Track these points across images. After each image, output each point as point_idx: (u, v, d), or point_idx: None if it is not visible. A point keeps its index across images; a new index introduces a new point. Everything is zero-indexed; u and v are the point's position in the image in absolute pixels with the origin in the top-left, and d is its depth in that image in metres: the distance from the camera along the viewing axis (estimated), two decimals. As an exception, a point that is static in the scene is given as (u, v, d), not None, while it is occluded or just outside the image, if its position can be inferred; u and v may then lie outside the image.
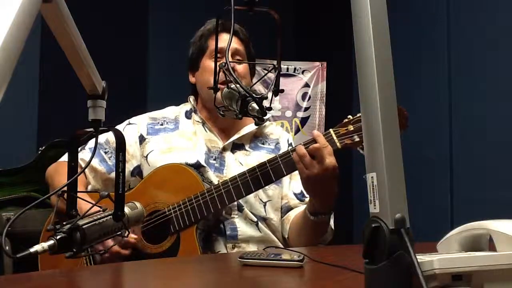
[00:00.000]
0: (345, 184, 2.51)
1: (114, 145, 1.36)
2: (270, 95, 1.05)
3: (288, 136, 1.69)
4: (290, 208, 1.55)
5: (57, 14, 0.60)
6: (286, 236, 1.53)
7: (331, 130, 1.40)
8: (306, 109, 3.41)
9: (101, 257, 1.37)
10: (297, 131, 3.39)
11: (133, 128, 1.59)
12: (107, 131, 0.84)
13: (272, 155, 1.50)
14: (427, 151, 2.88)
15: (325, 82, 3.40)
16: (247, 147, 1.60)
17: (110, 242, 1.26)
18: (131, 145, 1.54)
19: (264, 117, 0.98)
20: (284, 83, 3.20)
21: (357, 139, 1.37)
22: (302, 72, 3.42)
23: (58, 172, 1.50)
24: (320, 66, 3.42)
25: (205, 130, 1.60)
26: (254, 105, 0.97)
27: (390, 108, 0.54)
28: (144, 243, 1.41)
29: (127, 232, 0.87)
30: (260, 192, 1.49)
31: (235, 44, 1.57)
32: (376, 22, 0.56)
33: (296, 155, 1.34)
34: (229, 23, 0.94)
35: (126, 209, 0.87)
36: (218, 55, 1.26)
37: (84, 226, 0.78)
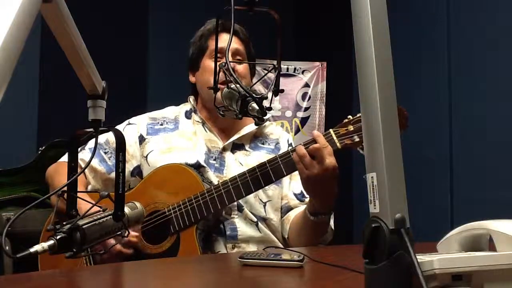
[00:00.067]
0: (345, 184, 2.52)
1: (114, 145, 1.36)
2: (270, 95, 1.05)
3: (288, 136, 1.69)
4: (290, 208, 1.55)
5: (57, 14, 0.60)
6: (286, 236, 1.53)
7: (331, 130, 1.40)
8: (306, 109, 3.41)
9: (101, 257, 1.37)
10: (297, 131, 3.39)
11: (133, 128, 1.59)
12: (107, 131, 0.84)
13: (272, 155, 1.50)
14: (427, 151, 2.88)
15: (325, 82, 3.40)
16: (247, 147, 1.60)
17: (112, 241, 1.26)
18: (131, 145, 1.54)
19: (264, 117, 0.98)
20: (284, 83, 3.20)
21: (357, 139, 1.37)
22: (302, 72, 3.42)
23: (58, 172, 1.50)
24: (320, 66, 3.42)
25: (205, 130, 1.60)
26: (254, 105, 0.97)
27: (390, 108, 0.54)
28: (144, 243, 1.41)
29: (127, 232, 0.87)
30: (260, 192, 1.49)
31: (236, 44, 1.57)
32: (376, 22, 0.56)
33: (296, 155, 1.34)
34: (229, 23, 0.94)
35: (126, 209, 0.87)
36: (218, 55, 1.26)
37: (84, 226, 0.78)
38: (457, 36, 2.85)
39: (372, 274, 0.53)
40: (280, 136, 1.67)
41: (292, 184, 1.58)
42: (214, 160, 1.54)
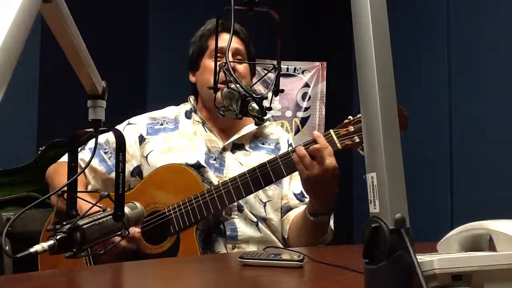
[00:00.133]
0: (345, 184, 2.52)
1: (114, 145, 1.36)
2: (270, 95, 1.05)
3: (288, 136, 1.69)
4: (290, 209, 1.55)
5: (57, 14, 0.60)
6: (286, 237, 1.53)
7: (331, 130, 1.40)
8: (306, 109, 3.41)
9: (102, 256, 1.37)
10: (297, 131, 3.39)
11: (133, 128, 1.59)
12: (107, 131, 0.84)
13: (272, 155, 1.50)
14: (427, 151, 2.88)
15: (325, 82, 3.40)
16: (247, 147, 1.60)
17: (113, 241, 1.25)
18: (131, 145, 1.54)
19: (264, 117, 0.98)
20: (284, 83, 3.20)
21: (358, 140, 1.37)
22: (302, 72, 3.42)
23: (58, 172, 1.50)
24: (320, 66, 3.42)
25: (205, 130, 1.59)
26: (254, 105, 0.97)
27: (390, 108, 0.54)
28: (144, 243, 1.41)
29: (127, 232, 0.87)
30: (260, 192, 1.49)
31: (236, 43, 1.57)
32: (376, 22, 0.56)
33: (296, 156, 1.34)
34: (229, 23, 0.94)
35: (126, 209, 0.87)
36: (219, 54, 1.26)
37: (84, 226, 0.78)
38: (457, 36, 2.85)
39: (372, 274, 0.53)
40: (280, 136, 1.67)
41: (292, 184, 1.58)
42: (214, 160, 1.54)
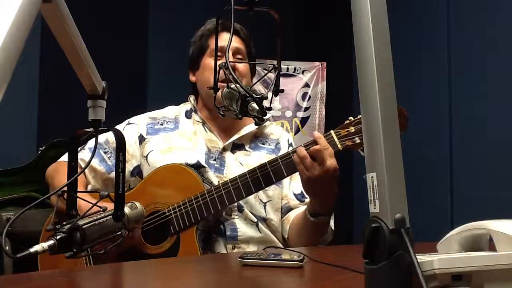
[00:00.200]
0: (345, 185, 2.52)
1: (114, 145, 1.36)
2: (270, 95, 1.05)
3: (288, 136, 1.69)
4: (290, 209, 1.55)
5: (57, 14, 0.60)
6: (286, 237, 1.53)
7: (332, 131, 1.40)
8: (306, 109, 3.41)
9: (101, 256, 1.37)
10: (297, 131, 3.39)
11: (132, 128, 1.59)
12: (107, 131, 0.84)
13: (272, 155, 1.50)
14: (427, 151, 2.88)
15: (325, 82, 3.40)
16: (247, 147, 1.60)
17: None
18: (131, 145, 1.54)
19: (264, 117, 0.98)
20: (284, 83, 3.20)
21: (358, 141, 1.37)
22: (302, 72, 3.42)
23: (58, 172, 1.50)
24: (320, 66, 3.42)
25: (205, 130, 1.59)
26: (254, 105, 0.97)
27: (390, 108, 0.54)
28: (144, 243, 1.41)
29: (127, 232, 0.87)
30: (260, 192, 1.49)
31: (236, 43, 1.57)
32: (376, 22, 0.56)
33: (297, 156, 1.34)
34: (230, 23, 0.94)
35: (126, 209, 0.88)
36: (219, 54, 1.26)
37: (84, 226, 0.78)
38: (457, 36, 2.85)
39: (372, 274, 0.53)
40: (281, 136, 1.67)
41: (292, 184, 1.58)
42: (214, 160, 1.54)
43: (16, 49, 0.39)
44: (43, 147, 1.74)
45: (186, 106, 1.67)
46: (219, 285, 0.91)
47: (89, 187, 1.53)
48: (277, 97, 3.04)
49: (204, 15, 1.59)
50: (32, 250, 0.71)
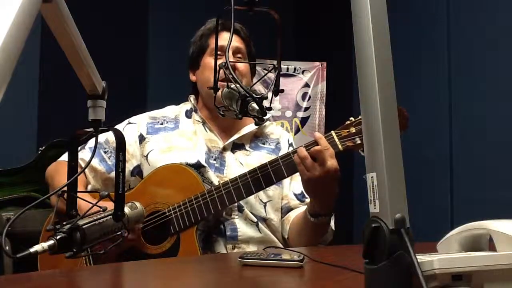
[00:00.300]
0: (345, 185, 2.52)
1: (114, 144, 1.36)
2: (270, 95, 1.05)
3: (289, 136, 1.69)
4: (290, 209, 1.55)
5: (57, 14, 0.60)
6: (286, 237, 1.53)
7: (332, 132, 1.39)
8: (306, 109, 3.41)
9: (101, 256, 1.37)
10: (297, 131, 3.39)
11: (133, 127, 1.59)
12: (107, 131, 0.84)
13: (272, 155, 1.50)
14: (427, 151, 2.88)
15: (325, 82, 3.40)
16: (247, 147, 1.60)
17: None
18: (131, 145, 1.54)
19: (264, 117, 0.98)
20: (284, 83, 3.20)
21: (359, 142, 1.37)
22: (302, 72, 3.42)
23: (58, 172, 1.50)
24: (320, 66, 3.42)
25: (205, 130, 1.59)
26: (254, 105, 0.97)
27: (390, 108, 0.54)
28: (144, 243, 1.41)
29: (127, 232, 0.87)
30: (261, 192, 1.49)
31: (237, 42, 1.57)
32: (376, 22, 0.56)
33: (297, 157, 1.34)
34: (230, 23, 0.94)
35: (126, 209, 0.88)
36: (219, 53, 1.26)
37: (84, 226, 0.78)
38: (457, 36, 2.85)
39: (372, 274, 0.53)
40: (281, 136, 1.67)
41: (293, 184, 1.58)
42: (215, 160, 1.54)
43: (16, 49, 0.39)
44: (43, 147, 1.74)
45: (186, 105, 1.67)
46: (219, 285, 0.91)
47: (89, 187, 1.53)
48: (277, 97, 3.04)
49: (204, 15, 1.59)
50: (32, 250, 0.71)
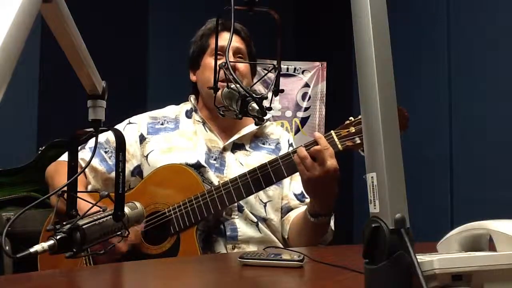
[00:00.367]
0: (345, 185, 2.52)
1: (115, 144, 1.36)
2: (270, 95, 1.05)
3: (289, 136, 1.69)
4: (290, 209, 1.55)
5: (57, 14, 0.60)
6: (286, 237, 1.53)
7: (332, 131, 1.40)
8: (306, 109, 3.41)
9: (101, 256, 1.37)
10: (297, 131, 3.39)
11: (133, 127, 1.59)
12: (107, 131, 0.84)
13: (272, 155, 1.50)
14: (427, 151, 2.88)
15: (325, 82, 3.40)
16: (247, 147, 1.60)
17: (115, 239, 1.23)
18: (131, 145, 1.54)
19: (264, 117, 0.98)
20: (284, 83, 3.20)
21: (359, 141, 1.37)
22: (302, 72, 3.42)
23: (58, 172, 1.49)
24: (320, 66, 3.42)
25: (206, 130, 1.59)
26: (254, 105, 0.96)
27: (390, 108, 0.54)
28: (144, 244, 1.41)
29: (127, 232, 0.87)
30: (261, 192, 1.49)
31: (237, 43, 1.57)
32: (376, 22, 0.56)
33: (297, 157, 1.34)
34: (230, 23, 0.94)
35: (126, 209, 0.87)
36: (220, 53, 1.26)
37: (84, 226, 0.78)
38: (457, 36, 2.85)
39: (372, 274, 0.53)
40: (281, 136, 1.67)
41: (293, 184, 1.58)
42: (215, 160, 1.54)
43: (16, 49, 0.39)
44: (43, 147, 1.74)
45: (187, 105, 1.67)
46: (219, 285, 0.91)
47: (90, 187, 1.53)
48: (277, 97, 3.04)
49: (204, 15, 1.59)
50: (32, 250, 0.71)
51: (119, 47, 3.02)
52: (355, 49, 0.57)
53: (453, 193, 2.79)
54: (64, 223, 0.78)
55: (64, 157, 1.54)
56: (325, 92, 3.39)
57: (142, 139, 1.56)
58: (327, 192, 1.37)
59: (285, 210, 1.56)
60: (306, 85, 3.42)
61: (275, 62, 1.06)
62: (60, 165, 1.51)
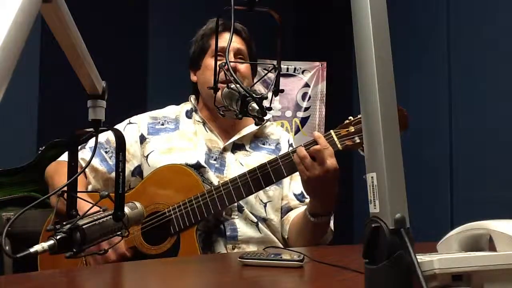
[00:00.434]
0: (345, 184, 2.52)
1: (115, 144, 1.36)
2: (270, 95, 1.05)
3: (289, 137, 1.69)
4: (290, 209, 1.55)
5: (57, 14, 0.60)
6: (286, 237, 1.53)
7: (332, 131, 1.40)
8: (306, 109, 3.41)
9: (96, 259, 1.37)
10: (297, 131, 3.39)
11: (133, 127, 1.59)
12: (107, 131, 0.84)
13: (272, 156, 1.50)
14: (427, 151, 2.88)
15: (325, 82, 3.40)
16: (247, 148, 1.60)
17: (105, 246, 1.16)
18: (132, 145, 1.54)
19: (264, 117, 0.98)
20: (284, 83, 3.20)
21: (358, 141, 1.37)
22: (302, 72, 3.42)
23: (57, 172, 1.49)
24: (320, 66, 3.42)
25: (206, 130, 1.59)
26: (254, 105, 0.97)
27: (390, 108, 0.54)
28: (144, 244, 1.41)
29: (127, 232, 0.87)
30: (261, 193, 1.49)
31: (238, 44, 1.57)
32: (376, 22, 0.56)
33: (297, 156, 1.34)
34: (231, 23, 0.94)
35: (126, 209, 0.87)
36: (220, 54, 1.25)
37: (84, 226, 0.78)
38: (457, 36, 2.85)
39: (372, 274, 0.53)
40: (281, 136, 1.67)
41: (293, 184, 1.58)
42: (215, 160, 1.53)
43: (16, 49, 0.39)
44: (43, 147, 1.74)
45: (187, 105, 1.66)
46: (219, 285, 0.91)
47: (90, 187, 1.53)
48: (277, 97, 3.04)
49: (204, 15, 1.59)
50: (32, 250, 0.71)
51: (119, 47, 3.02)
52: (355, 49, 0.57)
53: (453, 193, 2.79)
54: (64, 223, 0.78)
55: (64, 157, 1.54)
56: (325, 92, 3.39)
57: (142, 139, 1.56)
58: (327, 192, 1.37)
59: (285, 210, 1.56)
60: (306, 85, 3.42)
61: (275, 62, 1.06)
62: (60, 165, 1.51)
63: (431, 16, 3.02)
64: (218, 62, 1.10)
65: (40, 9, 0.46)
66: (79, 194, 0.85)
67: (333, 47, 3.51)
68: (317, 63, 3.42)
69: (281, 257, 0.99)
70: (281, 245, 1.52)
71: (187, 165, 1.46)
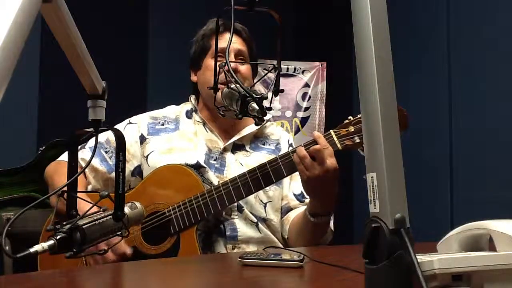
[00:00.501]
0: (345, 184, 2.52)
1: (115, 144, 1.36)
2: (270, 95, 1.05)
3: (289, 137, 1.69)
4: (290, 209, 1.55)
5: (57, 14, 0.60)
6: (286, 237, 1.53)
7: (331, 131, 1.40)
8: (306, 109, 3.40)
9: (95, 259, 1.37)
10: (297, 131, 3.39)
11: (133, 127, 1.59)
12: (107, 131, 0.84)
13: (272, 156, 1.50)
14: (427, 151, 2.88)
15: (325, 82, 3.40)
16: (247, 148, 1.60)
17: (103, 246, 1.17)
18: (132, 145, 1.54)
19: (264, 117, 0.98)
20: (284, 83, 3.20)
21: (358, 140, 1.37)
22: (302, 72, 3.42)
23: (57, 172, 1.49)
24: (320, 66, 3.42)
25: (206, 130, 1.59)
26: (254, 105, 0.97)
27: (390, 108, 0.54)
28: (144, 244, 1.41)
29: (127, 232, 0.87)
30: (261, 193, 1.49)
31: (238, 44, 1.57)
32: (376, 22, 0.56)
33: (297, 156, 1.34)
34: (231, 23, 0.94)
35: (126, 209, 0.87)
36: (220, 54, 1.25)
37: (84, 226, 0.78)
38: (457, 36, 2.85)
39: (372, 274, 0.53)
40: (281, 136, 1.67)
41: (292, 184, 1.58)
42: (215, 160, 1.53)
43: (16, 49, 0.39)
44: (43, 147, 1.74)
45: (187, 106, 1.66)
46: (219, 285, 0.91)
47: (90, 187, 1.53)
48: (277, 97, 3.04)
49: (204, 15, 1.59)
50: (32, 250, 0.71)
51: (119, 47, 3.02)
52: (355, 49, 0.57)
53: (453, 193, 2.79)
54: (64, 223, 0.78)
55: (64, 156, 1.54)
56: (325, 92, 3.39)
57: (142, 139, 1.56)
58: (327, 192, 1.37)
59: (285, 210, 1.56)
60: (306, 85, 3.42)
61: (275, 62, 1.06)
62: (60, 165, 1.51)
63: (431, 16, 3.02)
64: (219, 63, 1.10)
65: (40, 9, 0.46)
66: (79, 194, 0.85)
67: (333, 47, 3.51)
68: (317, 63, 3.42)
69: (281, 257, 0.99)
70: (281, 245, 1.52)
71: (187, 165, 1.46)
